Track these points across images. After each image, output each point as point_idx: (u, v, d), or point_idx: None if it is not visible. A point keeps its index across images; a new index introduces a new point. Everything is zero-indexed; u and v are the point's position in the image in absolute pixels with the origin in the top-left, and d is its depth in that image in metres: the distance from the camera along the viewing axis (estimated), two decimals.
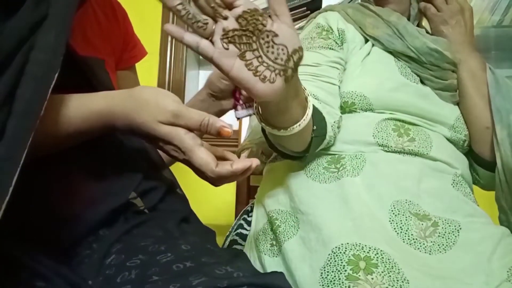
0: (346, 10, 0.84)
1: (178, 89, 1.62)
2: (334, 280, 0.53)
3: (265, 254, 0.66)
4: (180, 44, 1.64)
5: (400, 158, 0.70)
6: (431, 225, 0.61)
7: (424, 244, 0.59)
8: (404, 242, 0.59)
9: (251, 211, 0.80)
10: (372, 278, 0.51)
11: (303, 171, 0.72)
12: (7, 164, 0.34)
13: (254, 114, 0.82)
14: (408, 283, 0.52)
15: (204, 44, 0.46)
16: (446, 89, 0.79)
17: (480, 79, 0.79)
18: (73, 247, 0.51)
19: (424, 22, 0.88)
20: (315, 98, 0.68)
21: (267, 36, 0.47)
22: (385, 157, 0.70)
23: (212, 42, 0.46)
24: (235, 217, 0.90)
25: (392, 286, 0.51)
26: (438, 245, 0.59)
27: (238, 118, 0.84)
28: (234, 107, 0.85)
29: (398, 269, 0.53)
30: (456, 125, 0.78)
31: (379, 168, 0.68)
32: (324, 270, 0.55)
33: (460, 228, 0.61)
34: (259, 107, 0.58)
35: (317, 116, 0.64)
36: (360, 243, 0.55)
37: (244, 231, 0.79)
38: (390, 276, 0.52)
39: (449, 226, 0.62)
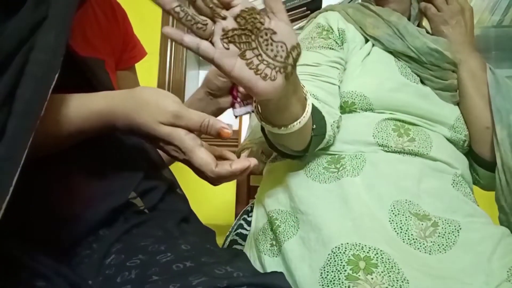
0: (347, 10, 0.84)
1: (178, 89, 1.62)
2: (334, 280, 0.53)
3: (265, 254, 0.66)
4: None
5: (400, 158, 0.70)
6: (431, 225, 0.61)
7: (424, 244, 0.59)
8: (404, 242, 0.59)
9: (251, 211, 0.80)
10: (372, 278, 0.51)
11: (303, 171, 0.72)
12: (8, 164, 0.34)
13: (252, 112, 0.82)
14: (408, 283, 0.52)
15: (204, 45, 0.46)
16: (446, 89, 0.79)
17: (480, 79, 0.79)
18: (73, 247, 0.51)
19: (425, 22, 0.88)
20: (315, 98, 0.68)
21: (266, 34, 0.47)
22: (385, 157, 0.70)
23: (212, 43, 0.46)
24: (235, 217, 0.90)
25: (392, 286, 0.51)
26: (438, 245, 0.59)
27: (236, 116, 0.84)
28: (232, 105, 0.85)
29: (398, 269, 0.53)
30: (456, 125, 0.78)
31: (379, 168, 0.68)
32: (324, 270, 0.55)
33: (460, 228, 0.61)
34: (259, 106, 0.58)
35: (317, 115, 0.65)
36: (360, 243, 0.55)
37: (244, 231, 0.79)
38: (390, 276, 0.52)
39: (449, 226, 0.62)
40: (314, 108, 0.63)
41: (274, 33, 0.47)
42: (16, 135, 0.35)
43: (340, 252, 0.55)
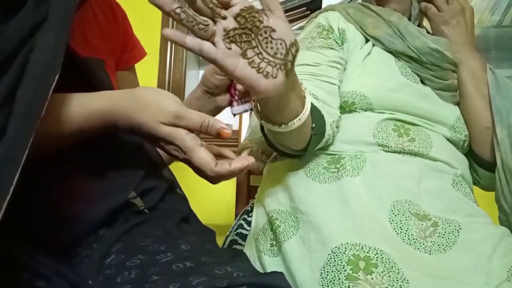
0: (347, 10, 0.84)
1: (178, 89, 1.62)
2: (334, 280, 0.53)
3: (265, 254, 0.66)
4: None
5: (400, 158, 0.70)
6: (431, 225, 0.62)
7: (424, 244, 0.59)
8: (404, 242, 0.59)
9: (251, 211, 0.80)
10: (372, 278, 0.51)
11: (303, 171, 0.72)
12: (8, 164, 0.34)
13: (250, 110, 0.81)
14: (408, 283, 0.52)
15: (207, 46, 0.46)
16: (446, 89, 0.79)
17: (480, 79, 0.79)
18: (73, 247, 0.51)
19: (425, 22, 0.88)
20: (314, 97, 0.68)
21: (265, 32, 0.47)
22: (385, 157, 0.70)
23: (213, 43, 0.46)
24: (235, 217, 0.90)
25: (392, 286, 0.51)
26: (438, 245, 0.59)
27: (234, 115, 0.83)
28: (230, 104, 0.84)
29: (398, 269, 0.53)
30: (456, 125, 0.78)
31: (379, 168, 0.68)
32: (324, 270, 0.55)
33: (460, 228, 0.61)
34: (258, 105, 0.58)
35: (316, 114, 0.65)
36: (360, 243, 0.56)
37: (244, 231, 0.80)
38: (390, 276, 0.52)
39: (449, 226, 0.62)
40: (313, 107, 0.63)
41: (273, 30, 0.47)
42: (17, 135, 0.35)
43: (340, 252, 0.55)
